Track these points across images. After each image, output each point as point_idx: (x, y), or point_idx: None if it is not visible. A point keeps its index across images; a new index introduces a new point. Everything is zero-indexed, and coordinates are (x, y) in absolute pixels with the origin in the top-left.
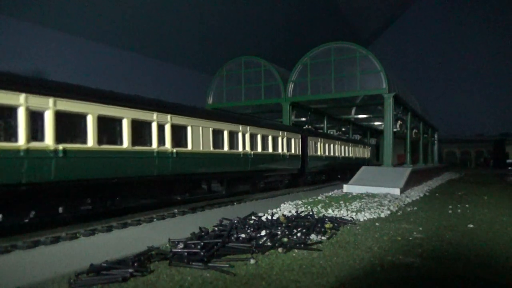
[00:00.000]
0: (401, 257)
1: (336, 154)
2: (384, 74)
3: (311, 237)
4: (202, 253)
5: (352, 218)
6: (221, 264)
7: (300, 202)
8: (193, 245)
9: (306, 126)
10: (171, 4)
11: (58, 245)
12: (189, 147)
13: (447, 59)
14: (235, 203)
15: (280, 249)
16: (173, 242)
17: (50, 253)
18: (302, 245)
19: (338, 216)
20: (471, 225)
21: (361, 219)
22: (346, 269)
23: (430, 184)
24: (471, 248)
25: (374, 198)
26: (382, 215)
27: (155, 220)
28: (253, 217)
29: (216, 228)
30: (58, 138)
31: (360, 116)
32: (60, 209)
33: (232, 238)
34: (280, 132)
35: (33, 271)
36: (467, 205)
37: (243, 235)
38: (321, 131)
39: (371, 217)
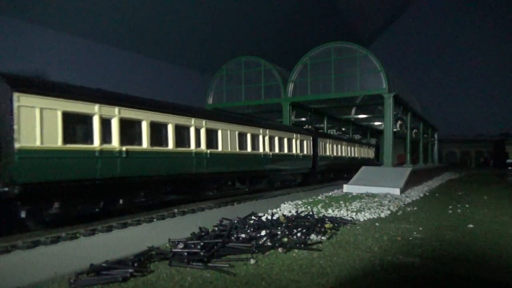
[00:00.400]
0: (401, 257)
1: (343, 154)
2: (384, 74)
3: (311, 237)
4: (202, 253)
5: (352, 218)
6: (221, 264)
7: (300, 202)
8: (193, 245)
9: (306, 126)
10: (171, 4)
11: (58, 245)
12: (220, 148)
13: (447, 59)
14: (235, 203)
15: (280, 249)
16: (173, 242)
17: (50, 253)
18: (302, 245)
19: (338, 216)
20: (471, 225)
21: (361, 219)
22: (346, 269)
23: (430, 184)
24: (471, 248)
25: (374, 198)
26: (382, 215)
27: (155, 220)
28: (253, 217)
29: (216, 228)
30: (122, 141)
31: (360, 116)
32: (121, 201)
33: (232, 238)
34: (294, 134)
35: (33, 271)
36: (467, 205)
37: (243, 235)
38: (321, 131)
39: (371, 217)
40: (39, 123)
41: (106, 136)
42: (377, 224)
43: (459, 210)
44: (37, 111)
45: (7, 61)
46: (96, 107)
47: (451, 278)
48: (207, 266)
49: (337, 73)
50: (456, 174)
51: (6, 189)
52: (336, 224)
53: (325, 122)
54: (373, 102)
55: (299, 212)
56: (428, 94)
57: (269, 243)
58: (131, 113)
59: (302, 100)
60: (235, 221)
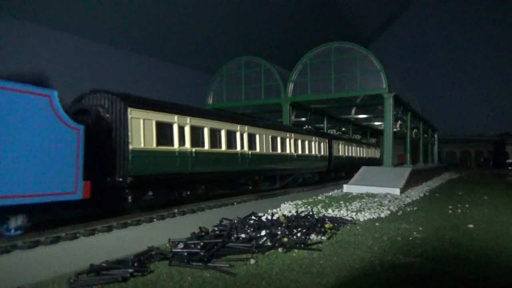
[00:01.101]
0: (401, 257)
1: (353, 155)
2: (384, 74)
3: (311, 237)
4: (202, 253)
5: (352, 218)
6: (221, 264)
7: (300, 202)
8: (193, 245)
9: (306, 126)
10: (171, 4)
11: (58, 245)
12: (258, 149)
13: (447, 59)
14: (235, 203)
15: (280, 249)
16: (173, 242)
17: (50, 253)
18: (302, 245)
19: (338, 216)
20: (471, 225)
21: (361, 219)
22: (346, 269)
23: (430, 184)
24: (471, 248)
25: (374, 198)
26: (382, 215)
27: (155, 220)
28: (253, 217)
29: (216, 228)
30: (192, 144)
31: (360, 116)
32: (188, 192)
33: (232, 238)
34: (314, 137)
35: (33, 271)
36: (467, 205)
37: (243, 235)
38: (321, 131)
39: (371, 217)
40: (142, 130)
41: (181, 139)
42: (377, 224)
43: (459, 210)
44: (141, 121)
45: (7, 61)
46: (175, 117)
47: (451, 278)
48: (207, 266)
49: (337, 73)
50: (456, 174)
51: (121, 179)
52: (336, 224)
53: (325, 122)
54: (373, 102)
55: (299, 212)
56: (428, 94)
57: (269, 243)
58: (197, 122)
59: (302, 100)
60: (235, 221)
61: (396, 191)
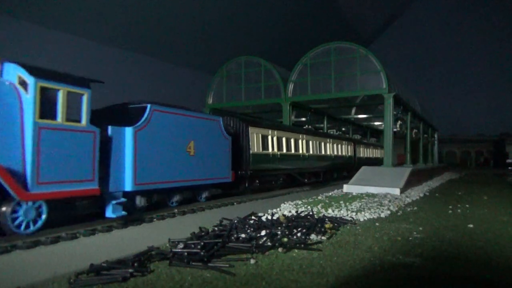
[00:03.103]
0: (401, 257)
1: (370, 155)
2: (384, 74)
3: (311, 237)
4: (202, 253)
5: (352, 218)
6: (221, 264)
7: (300, 202)
8: (193, 245)
9: (306, 126)
10: (171, 4)
11: (58, 245)
12: (311, 152)
13: (447, 59)
14: (235, 203)
15: (280, 249)
16: (173, 242)
17: (50, 253)
18: (302, 245)
19: (338, 216)
20: (471, 225)
21: (361, 219)
22: (346, 269)
23: (430, 184)
24: (471, 248)
25: (374, 198)
26: (382, 215)
27: (155, 220)
28: (253, 217)
29: (216, 228)
30: (278, 148)
31: (360, 116)
32: (272, 183)
33: (232, 238)
34: (344, 142)
35: (33, 271)
36: (467, 205)
37: (243, 235)
38: (321, 131)
39: (371, 217)
40: (255, 140)
41: (272, 146)
42: (377, 224)
43: (459, 210)
44: (255, 135)
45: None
46: (270, 131)
47: (451, 278)
48: (207, 266)
49: (337, 73)
50: (456, 174)
51: (243, 172)
52: (336, 224)
53: (325, 122)
54: (373, 102)
55: (299, 212)
56: (428, 94)
57: (269, 243)
58: (279, 133)
59: (302, 100)
60: (235, 221)
61: (396, 191)
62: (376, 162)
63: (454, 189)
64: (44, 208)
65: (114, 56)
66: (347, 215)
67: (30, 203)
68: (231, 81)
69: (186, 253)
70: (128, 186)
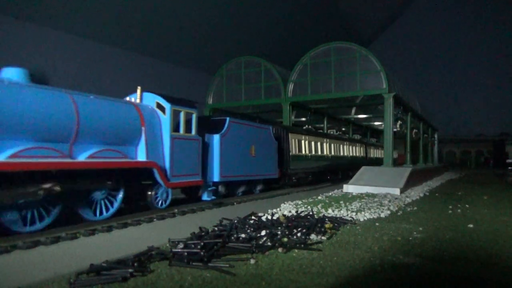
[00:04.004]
0: (401, 257)
1: (378, 156)
2: (384, 74)
3: (311, 237)
4: (202, 253)
5: (352, 218)
6: (221, 264)
7: (300, 202)
8: (193, 245)
9: (306, 126)
10: (171, 4)
11: (58, 245)
12: (333, 153)
13: (447, 59)
14: (235, 203)
15: (280, 249)
16: (173, 242)
17: (50, 253)
18: (302, 245)
19: (338, 216)
20: (471, 225)
21: (361, 219)
22: (346, 269)
23: (430, 184)
24: (471, 248)
25: (374, 198)
26: (382, 215)
27: (155, 220)
28: (253, 217)
29: (216, 228)
30: (309, 150)
31: (360, 116)
32: (311, 177)
33: (232, 238)
34: (357, 144)
35: (33, 271)
36: (467, 205)
37: (243, 235)
38: (321, 131)
39: (371, 217)
40: (293, 144)
41: (305, 148)
42: (377, 224)
43: (459, 210)
44: (293, 140)
45: (7, 62)
46: (303, 136)
47: (451, 278)
48: (207, 266)
49: (337, 73)
50: (456, 174)
51: (285, 169)
52: (336, 224)
53: (325, 122)
54: (373, 102)
55: (299, 212)
56: (428, 94)
57: (269, 243)
58: (309, 138)
59: (302, 100)
60: (235, 221)
61: (396, 191)
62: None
63: (454, 189)
64: (170, 192)
65: (114, 56)
66: (347, 215)
67: (163, 188)
68: (231, 81)
69: (186, 253)
70: (216, 178)
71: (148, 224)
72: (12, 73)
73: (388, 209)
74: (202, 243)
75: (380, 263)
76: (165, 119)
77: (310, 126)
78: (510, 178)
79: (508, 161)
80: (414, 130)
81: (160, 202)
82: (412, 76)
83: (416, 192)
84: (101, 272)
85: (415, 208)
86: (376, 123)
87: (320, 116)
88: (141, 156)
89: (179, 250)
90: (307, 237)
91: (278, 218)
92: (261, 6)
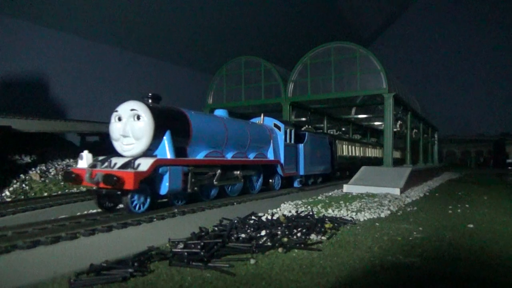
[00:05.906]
0: (401, 257)
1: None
2: (384, 74)
3: (311, 237)
4: (202, 253)
5: (352, 218)
6: (221, 264)
7: (300, 202)
8: (193, 245)
9: (306, 126)
10: (171, 4)
11: (58, 245)
12: (361, 154)
13: (447, 59)
14: (235, 203)
15: (280, 249)
16: (173, 242)
17: (50, 253)
18: (302, 245)
19: (338, 216)
20: (471, 225)
21: (361, 219)
22: (346, 269)
23: (430, 184)
24: (471, 248)
25: (374, 198)
26: (382, 215)
27: (155, 220)
28: (253, 217)
29: (216, 228)
30: (346, 152)
31: (360, 116)
32: (348, 173)
33: (232, 238)
34: (376, 146)
35: (33, 271)
36: (467, 205)
37: (243, 235)
38: (320, 131)
39: (371, 217)
40: (339, 148)
41: (345, 151)
42: (377, 224)
43: (459, 210)
44: (338, 144)
45: (7, 62)
46: (343, 142)
47: (451, 278)
48: (207, 266)
49: (337, 73)
50: (456, 174)
51: (334, 167)
52: (336, 224)
53: (325, 122)
54: (373, 102)
55: (299, 212)
56: (428, 94)
57: (269, 243)
58: (347, 143)
59: (302, 100)
60: (235, 221)
61: (396, 191)
62: (396, 161)
63: (454, 189)
64: (280, 180)
65: (114, 56)
66: (347, 215)
67: (278, 176)
68: (231, 81)
69: (186, 253)
70: (303, 172)
71: (148, 224)
72: (221, 112)
73: (388, 209)
74: (202, 243)
75: (380, 263)
76: (281, 134)
77: (310, 126)
78: (510, 178)
79: (508, 161)
80: (414, 130)
81: (276, 186)
82: (412, 76)
83: (416, 192)
84: (101, 272)
85: (415, 208)
86: (376, 123)
87: (320, 116)
88: (270, 157)
89: (179, 250)
90: (307, 237)
91: (278, 218)
92: (261, 6)
